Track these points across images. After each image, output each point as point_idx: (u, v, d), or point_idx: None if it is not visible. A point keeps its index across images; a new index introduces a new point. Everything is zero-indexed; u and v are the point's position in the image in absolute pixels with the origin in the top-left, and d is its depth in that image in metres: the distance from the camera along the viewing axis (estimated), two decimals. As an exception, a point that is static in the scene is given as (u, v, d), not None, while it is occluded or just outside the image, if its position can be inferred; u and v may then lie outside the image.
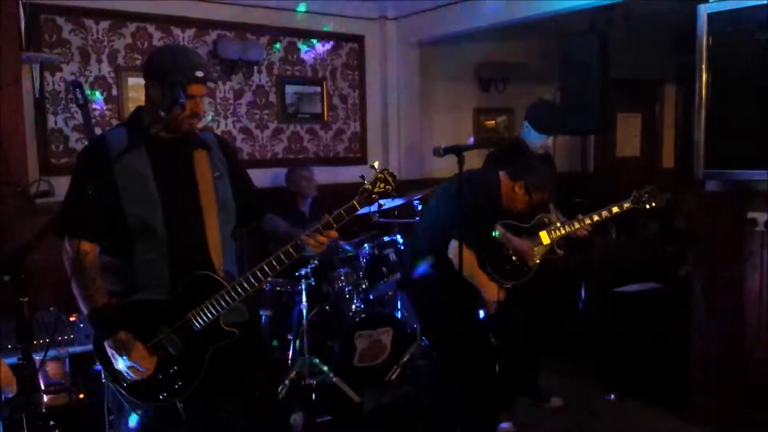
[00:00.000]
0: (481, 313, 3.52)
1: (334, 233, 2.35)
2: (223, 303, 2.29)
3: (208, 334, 2.29)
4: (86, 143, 2.38)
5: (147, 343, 2.24)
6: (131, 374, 2.21)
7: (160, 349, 2.26)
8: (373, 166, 2.37)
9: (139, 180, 2.27)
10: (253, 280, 2.32)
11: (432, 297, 3.57)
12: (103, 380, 2.28)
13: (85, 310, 2.24)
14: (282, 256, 2.33)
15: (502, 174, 3.56)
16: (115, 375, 2.26)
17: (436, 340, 3.91)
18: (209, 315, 2.28)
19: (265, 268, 2.33)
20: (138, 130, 2.32)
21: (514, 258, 3.82)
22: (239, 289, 2.30)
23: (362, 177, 2.37)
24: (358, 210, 2.31)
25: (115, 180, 2.24)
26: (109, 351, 2.21)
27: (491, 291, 3.42)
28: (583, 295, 5.28)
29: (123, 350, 2.19)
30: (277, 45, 5.58)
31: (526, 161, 3.67)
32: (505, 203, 3.57)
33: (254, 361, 2.59)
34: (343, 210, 2.31)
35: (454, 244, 3.29)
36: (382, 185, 2.33)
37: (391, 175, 2.34)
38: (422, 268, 3.48)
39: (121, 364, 2.20)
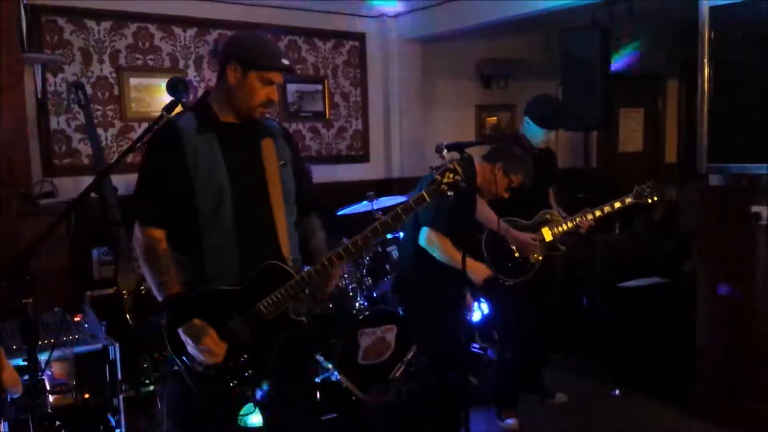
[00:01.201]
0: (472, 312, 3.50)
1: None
2: (293, 292, 2.29)
3: (278, 324, 2.31)
4: (157, 129, 2.32)
5: (218, 332, 2.25)
6: (204, 360, 2.23)
7: (231, 337, 2.27)
8: (442, 156, 2.35)
9: (209, 167, 2.26)
10: (327, 264, 2.30)
11: (418, 297, 3.55)
12: (175, 368, 2.29)
13: (159, 296, 2.25)
14: (359, 241, 2.30)
15: (477, 161, 3.53)
16: (186, 363, 2.27)
17: (425, 341, 3.86)
18: (280, 304, 2.29)
19: (342, 252, 2.30)
20: (207, 115, 2.33)
21: (516, 255, 3.82)
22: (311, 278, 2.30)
23: (432, 168, 2.35)
24: (427, 201, 2.29)
25: (187, 166, 2.24)
26: (184, 337, 2.23)
27: (477, 270, 3.32)
28: (586, 290, 5.28)
29: (198, 337, 2.21)
30: None
31: (505, 146, 3.65)
32: (485, 188, 3.52)
33: (312, 352, 2.62)
34: (412, 201, 2.30)
35: (426, 232, 3.29)
36: (451, 176, 2.28)
37: (461, 165, 2.30)
38: None
39: (195, 350, 2.22)
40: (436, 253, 3.29)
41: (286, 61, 2.29)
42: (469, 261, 3.22)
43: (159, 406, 3.79)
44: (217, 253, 2.29)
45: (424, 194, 2.27)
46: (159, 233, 2.26)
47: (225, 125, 2.33)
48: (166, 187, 2.25)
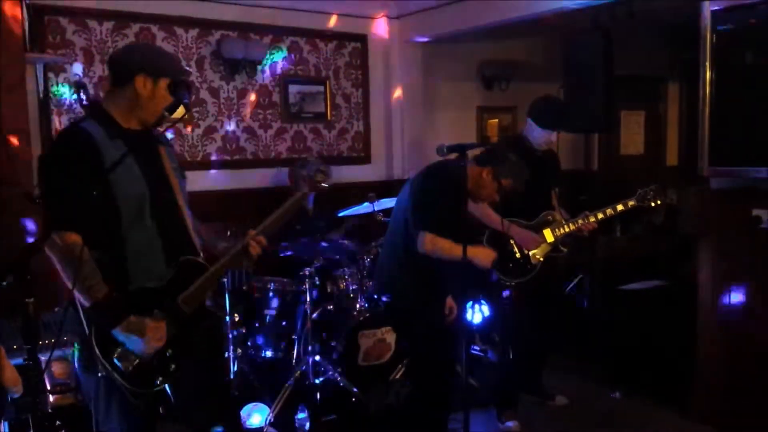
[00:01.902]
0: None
1: None
2: (209, 283, 2.41)
3: (196, 317, 2.39)
4: (62, 133, 2.39)
5: None
6: (150, 350, 2.25)
7: None
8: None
9: (127, 172, 2.30)
10: None
11: (407, 301, 3.50)
12: (99, 374, 2.25)
13: (86, 302, 2.21)
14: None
15: (468, 164, 3.47)
16: (113, 365, 2.25)
17: (412, 344, 3.84)
18: (198, 297, 2.39)
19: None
20: (110, 123, 2.34)
21: (517, 255, 3.83)
22: None
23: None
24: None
25: (104, 170, 2.23)
26: (122, 337, 2.23)
27: (483, 257, 3.25)
28: (587, 292, 5.29)
29: (137, 331, 2.23)
30: (281, 53, 5.58)
31: (498, 149, 3.60)
32: (475, 192, 3.40)
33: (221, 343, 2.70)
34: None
35: (423, 237, 3.21)
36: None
37: (324, 171, 2.53)
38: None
39: (138, 345, 2.23)
40: (440, 255, 3.23)
41: (186, 67, 2.39)
42: (472, 249, 3.17)
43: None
44: (141, 254, 2.33)
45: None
46: (78, 237, 2.20)
47: (130, 132, 2.37)
48: (85, 191, 2.18)
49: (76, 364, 2.42)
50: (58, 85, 4.64)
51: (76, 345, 2.37)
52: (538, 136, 3.93)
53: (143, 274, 2.33)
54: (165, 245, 2.37)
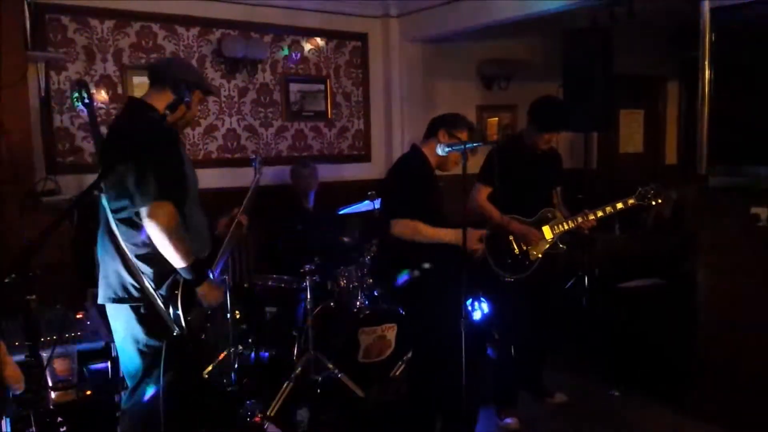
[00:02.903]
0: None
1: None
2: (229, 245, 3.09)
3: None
4: (166, 128, 2.67)
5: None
6: (213, 306, 2.78)
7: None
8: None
9: (188, 161, 2.78)
10: None
11: (412, 293, 3.48)
12: (175, 333, 2.65)
13: (185, 262, 2.60)
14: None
15: (421, 145, 3.50)
16: (187, 322, 2.65)
17: (418, 336, 3.84)
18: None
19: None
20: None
21: (516, 251, 3.84)
22: None
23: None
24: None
25: (181, 156, 2.71)
26: (202, 292, 2.68)
27: (469, 236, 3.18)
28: (586, 290, 5.30)
29: (209, 290, 2.72)
30: (285, 50, 5.60)
31: (435, 117, 3.57)
32: (444, 165, 3.48)
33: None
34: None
35: (393, 223, 3.29)
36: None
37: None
38: (403, 278, 3.43)
39: (213, 299, 2.75)
40: (413, 237, 3.27)
41: None
42: (451, 234, 3.27)
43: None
44: (199, 230, 2.79)
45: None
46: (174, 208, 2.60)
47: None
48: (178, 170, 2.65)
49: (139, 337, 2.69)
50: (59, 83, 4.66)
51: (139, 320, 2.67)
52: (537, 136, 3.94)
53: (199, 244, 2.74)
54: (207, 222, 2.88)
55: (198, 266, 2.67)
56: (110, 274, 2.69)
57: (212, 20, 5.24)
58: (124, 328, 2.73)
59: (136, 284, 2.64)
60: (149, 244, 2.60)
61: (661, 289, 5.18)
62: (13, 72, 3.91)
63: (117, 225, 2.64)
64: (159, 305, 2.64)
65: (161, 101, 2.70)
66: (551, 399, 4.31)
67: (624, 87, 6.90)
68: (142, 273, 2.64)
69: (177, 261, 2.60)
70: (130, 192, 2.55)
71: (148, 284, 2.63)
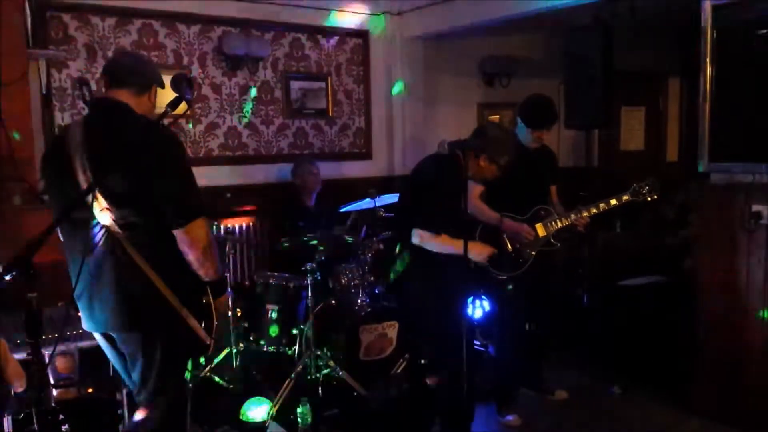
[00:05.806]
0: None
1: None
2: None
3: None
4: (173, 134, 2.65)
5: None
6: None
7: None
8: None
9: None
10: None
11: (415, 295, 3.49)
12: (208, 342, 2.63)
13: (218, 274, 2.60)
14: None
15: (464, 154, 3.35)
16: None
17: (420, 337, 3.84)
18: None
19: None
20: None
21: (509, 249, 3.83)
22: None
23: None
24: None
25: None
26: (222, 301, 2.72)
27: (478, 251, 3.27)
28: (586, 288, 5.29)
29: (226, 300, 2.86)
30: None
31: (482, 132, 3.48)
32: (477, 179, 3.44)
33: None
34: None
35: (419, 234, 3.24)
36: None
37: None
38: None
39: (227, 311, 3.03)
40: (431, 247, 3.25)
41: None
42: (474, 245, 3.25)
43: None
44: None
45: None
46: None
47: None
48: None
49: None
50: (60, 81, 4.65)
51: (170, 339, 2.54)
52: (527, 134, 3.96)
53: None
54: None
55: (223, 279, 2.73)
56: (116, 299, 2.43)
57: (213, 18, 5.23)
58: (143, 352, 2.49)
59: (160, 301, 2.42)
60: (174, 254, 2.44)
61: (661, 287, 5.17)
62: (14, 70, 3.90)
63: (128, 238, 2.39)
64: (192, 319, 2.49)
65: (134, 100, 2.55)
66: (552, 396, 4.32)
67: (625, 84, 6.88)
68: (167, 287, 2.42)
69: (210, 274, 2.54)
70: (163, 204, 2.38)
71: (175, 298, 2.44)
